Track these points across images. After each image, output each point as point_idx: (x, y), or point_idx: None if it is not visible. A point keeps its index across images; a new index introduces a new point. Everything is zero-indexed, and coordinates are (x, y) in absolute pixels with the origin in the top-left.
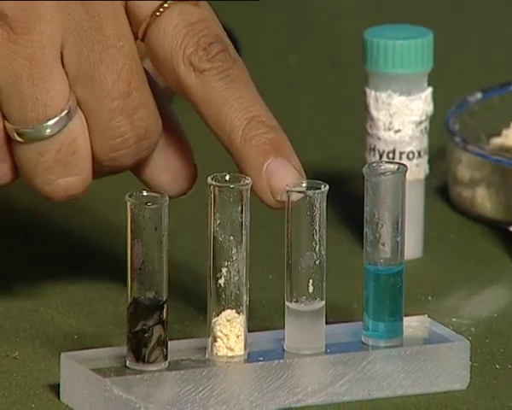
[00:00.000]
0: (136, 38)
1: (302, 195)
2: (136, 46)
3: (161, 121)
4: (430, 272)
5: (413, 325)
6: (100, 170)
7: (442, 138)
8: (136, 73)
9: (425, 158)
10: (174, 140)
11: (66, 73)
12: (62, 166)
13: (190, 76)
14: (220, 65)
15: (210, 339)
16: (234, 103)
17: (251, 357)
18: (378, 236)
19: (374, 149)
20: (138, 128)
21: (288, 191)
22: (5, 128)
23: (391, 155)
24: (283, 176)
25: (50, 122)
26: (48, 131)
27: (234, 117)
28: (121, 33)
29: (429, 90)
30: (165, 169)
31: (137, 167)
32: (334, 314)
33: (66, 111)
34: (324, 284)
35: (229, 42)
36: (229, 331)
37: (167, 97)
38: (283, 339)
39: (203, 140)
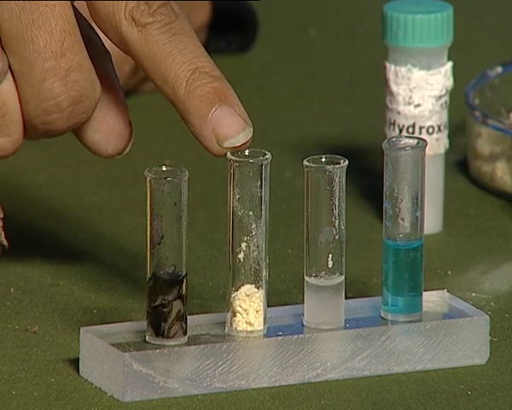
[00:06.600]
0: None
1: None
2: (71, 6)
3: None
4: (450, 247)
5: (432, 299)
6: (35, 133)
7: (462, 113)
8: (70, 34)
9: (445, 132)
10: (110, 100)
11: None
12: None
13: (132, 31)
14: (162, 18)
15: (229, 314)
16: (177, 55)
17: (270, 332)
18: (398, 210)
19: (393, 124)
20: (72, 91)
21: (306, 167)
22: None
23: (410, 130)
24: (228, 123)
25: None
26: None
27: (177, 69)
28: None
29: (449, 64)
30: (99, 129)
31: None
32: (354, 289)
33: None
34: (344, 259)
35: None
36: (249, 306)
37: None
38: (303, 314)
39: None
